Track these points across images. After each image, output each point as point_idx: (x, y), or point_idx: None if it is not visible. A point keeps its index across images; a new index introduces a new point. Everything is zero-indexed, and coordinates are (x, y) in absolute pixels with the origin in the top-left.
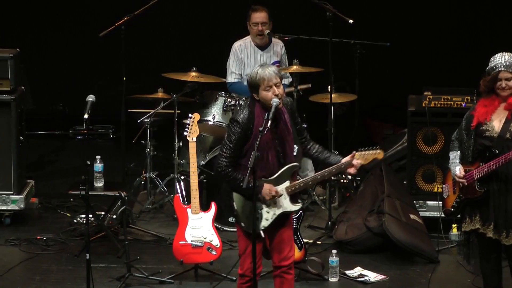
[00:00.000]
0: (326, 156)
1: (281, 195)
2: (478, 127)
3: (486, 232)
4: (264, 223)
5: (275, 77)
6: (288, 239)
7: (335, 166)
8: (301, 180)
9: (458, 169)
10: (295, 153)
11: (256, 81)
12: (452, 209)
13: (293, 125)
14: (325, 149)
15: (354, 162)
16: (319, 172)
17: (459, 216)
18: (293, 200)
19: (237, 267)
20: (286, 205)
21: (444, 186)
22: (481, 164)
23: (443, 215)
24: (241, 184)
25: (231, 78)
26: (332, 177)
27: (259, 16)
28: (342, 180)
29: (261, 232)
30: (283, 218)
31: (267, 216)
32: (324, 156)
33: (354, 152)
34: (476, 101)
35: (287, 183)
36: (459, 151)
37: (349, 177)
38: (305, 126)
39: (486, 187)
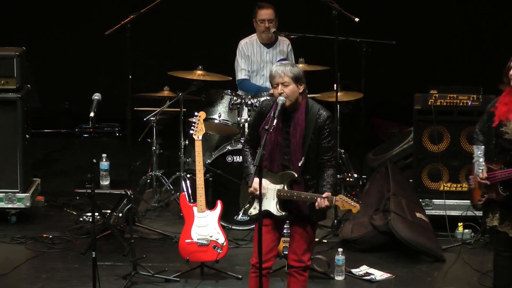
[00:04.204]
0: (321, 183)
1: (256, 194)
2: (498, 127)
3: (505, 231)
4: (251, 211)
5: (280, 76)
6: (303, 243)
7: (311, 194)
8: (290, 191)
9: (481, 171)
10: (299, 164)
11: (269, 78)
12: (479, 203)
13: (310, 138)
14: (331, 178)
15: (319, 200)
16: (303, 193)
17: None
18: (281, 206)
19: (242, 266)
20: (271, 207)
21: (470, 177)
22: (503, 166)
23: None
24: (245, 164)
25: (241, 75)
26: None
27: (265, 13)
28: (348, 179)
29: (241, 215)
30: (302, 220)
31: (256, 206)
32: (319, 183)
33: (329, 193)
34: (497, 97)
35: (280, 186)
36: (483, 146)
37: (355, 175)
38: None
39: (509, 191)
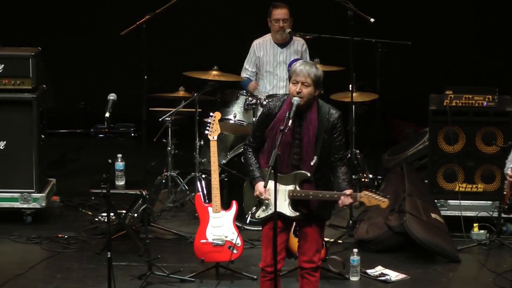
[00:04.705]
0: (337, 181)
1: (268, 198)
2: None
3: None
4: (259, 214)
5: (304, 75)
6: (313, 243)
7: (331, 192)
8: (305, 190)
9: (509, 169)
10: (312, 163)
11: (290, 72)
12: (506, 206)
13: (323, 137)
14: (346, 176)
15: (343, 198)
16: (321, 191)
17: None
18: (294, 206)
19: (257, 266)
20: (283, 208)
21: (506, 181)
22: None
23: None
24: (250, 168)
25: (242, 74)
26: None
27: (280, 13)
28: (363, 179)
29: (248, 218)
30: (312, 220)
31: (264, 207)
32: (335, 181)
33: (351, 190)
34: None
35: (291, 187)
36: None
37: (370, 175)
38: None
39: None
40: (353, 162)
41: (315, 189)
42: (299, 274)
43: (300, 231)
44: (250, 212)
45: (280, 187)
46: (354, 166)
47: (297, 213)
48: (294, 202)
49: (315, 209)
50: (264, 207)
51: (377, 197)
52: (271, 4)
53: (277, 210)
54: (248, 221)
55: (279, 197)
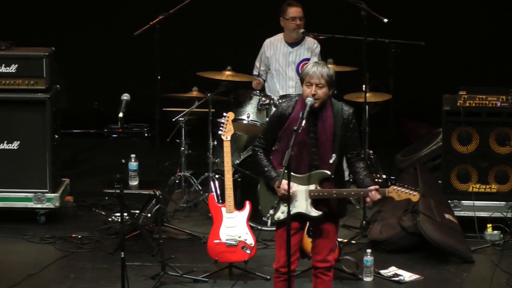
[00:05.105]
0: (359, 177)
1: (290, 195)
2: None
3: None
4: (279, 215)
5: (317, 77)
6: (328, 241)
7: (356, 189)
8: (328, 189)
9: None
10: (331, 161)
11: (302, 75)
12: None
13: (340, 134)
14: (366, 171)
15: (373, 194)
16: (344, 189)
17: None
18: (315, 205)
19: (270, 266)
20: (305, 207)
21: None
22: None
23: None
24: (265, 169)
25: (253, 71)
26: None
27: (296, 11)
28: (376, 179)
29: (269, 222)
30: (329, 219)
31: (284, 209)
32: (357, 177)
33: (377, 186)
34: None
35: (312, 187)
36: None
37: (384, 176)
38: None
39: None
40: (367, 163)
41: (335, 187)
42: (312, 274)
43: (315, 230)
44: (268, 215)
45: (299, 188)
46: (367, 166)
47: (320, 212)
48: (315, 201)
49: (334, 206)
50: (283, 209)
51: (406, 191)
52: (285, 3)
53: (299, 210)
54: (269, 224)
55: (299, 197)
